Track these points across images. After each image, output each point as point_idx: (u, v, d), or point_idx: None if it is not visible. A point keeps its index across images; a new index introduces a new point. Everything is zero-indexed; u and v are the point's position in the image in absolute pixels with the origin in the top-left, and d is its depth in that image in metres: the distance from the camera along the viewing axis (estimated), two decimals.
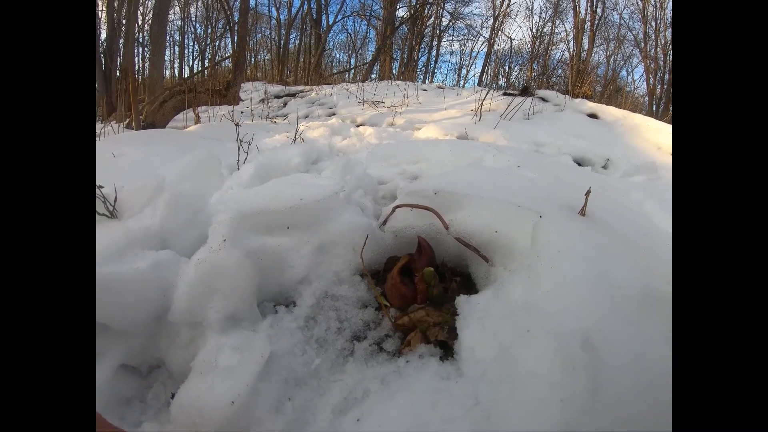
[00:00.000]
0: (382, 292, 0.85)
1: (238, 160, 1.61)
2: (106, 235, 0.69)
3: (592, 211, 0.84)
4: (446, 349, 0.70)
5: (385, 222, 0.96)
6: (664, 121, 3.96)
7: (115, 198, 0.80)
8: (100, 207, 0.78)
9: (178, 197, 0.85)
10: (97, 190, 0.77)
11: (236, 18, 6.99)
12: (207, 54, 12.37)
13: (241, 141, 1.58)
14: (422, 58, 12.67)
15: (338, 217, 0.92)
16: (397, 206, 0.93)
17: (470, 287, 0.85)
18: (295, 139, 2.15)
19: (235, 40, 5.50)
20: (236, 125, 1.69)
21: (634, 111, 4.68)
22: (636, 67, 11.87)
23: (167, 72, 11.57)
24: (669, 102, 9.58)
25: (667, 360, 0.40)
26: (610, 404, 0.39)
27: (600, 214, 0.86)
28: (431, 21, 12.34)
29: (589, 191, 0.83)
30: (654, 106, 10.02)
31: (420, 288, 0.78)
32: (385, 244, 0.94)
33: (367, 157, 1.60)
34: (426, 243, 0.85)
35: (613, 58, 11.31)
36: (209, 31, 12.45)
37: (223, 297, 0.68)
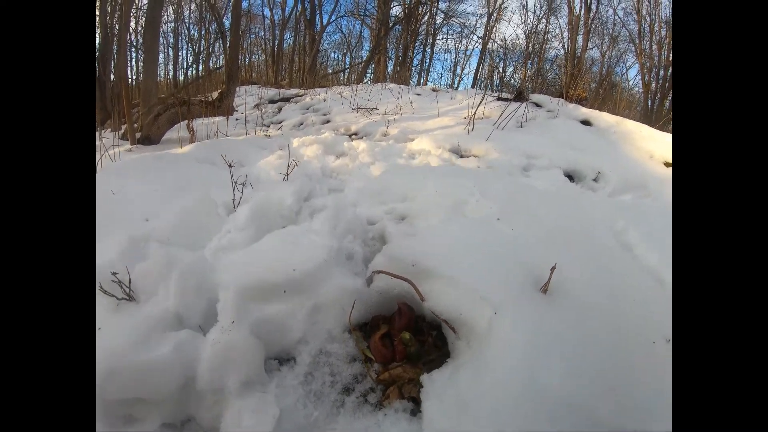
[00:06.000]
0: (367, 345, 1.00)
1: (233, 199, 1.72)
2: (130, 321, 0.84)
3: (559, 282, 0.92)
4: (418, 403, 0.85)
5: (370, 282, 1.10)
6: (658, 125, 4.05)
7: (129, 280, 0.94)
8: (117, 292, 0.92)
9: (185, 273, 1.00)
10: (112, 276, 0.91)
11: (227, 26, 6.92)
12: (201, 58, 12.22)
13: (235, 182, 1.70)
14: (417, 56, 12.54)
15: (329, 280, 1.06)
16: (380, 272, 1.06)
17: (444, 341, 0.99)
18: (288, 165, 2.27)
19: (227, 48, 5.49)
20: (230, 166, 1.80)
21: (629, 107, 4.73)
22: (631, 66, 11.66)
23: (161, 75, 11.47)
24: (664, 98, 9.57)
25: None
26: None
27: (568, 283, 0.94)
28: (425, 19, 12.15)
29: (554, 267, 0.90)
30: (649, 102, 9.99)
31: (399, 349, 0.93)
32: (371, 301, 1.08)
33: (357, 196, 1.73)
34: (405, 306, 0.99)
35: (607, 54, 11.18)
36: (203, 32, 12.26)
37: (237, 368, 0.83)
